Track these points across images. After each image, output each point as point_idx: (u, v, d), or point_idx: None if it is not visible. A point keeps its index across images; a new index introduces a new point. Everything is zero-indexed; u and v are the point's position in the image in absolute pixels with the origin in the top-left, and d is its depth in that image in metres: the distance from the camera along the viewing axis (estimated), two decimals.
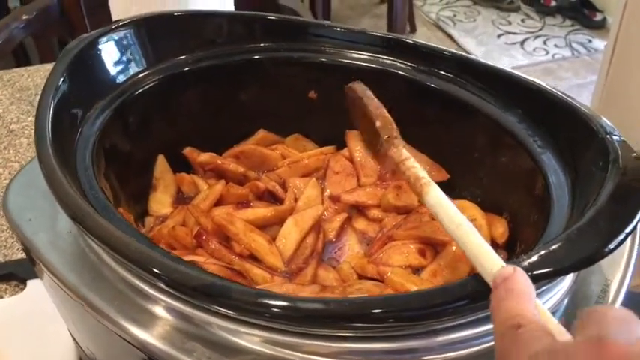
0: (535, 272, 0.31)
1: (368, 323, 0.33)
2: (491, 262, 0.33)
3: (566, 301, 0.39)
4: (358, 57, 0.58)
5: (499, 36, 2.64)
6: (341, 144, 0.62)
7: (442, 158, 0.57)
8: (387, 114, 0.50)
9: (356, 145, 0.59)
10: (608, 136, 0.41)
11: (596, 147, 0.41)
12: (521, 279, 0.30)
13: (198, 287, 0.35)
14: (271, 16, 0.58)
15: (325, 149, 0.61)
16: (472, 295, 0.32)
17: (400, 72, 0.56)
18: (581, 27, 2.69)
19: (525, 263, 0.32)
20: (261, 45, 0.59)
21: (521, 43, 2.59)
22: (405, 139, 0.58)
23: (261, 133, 0.63)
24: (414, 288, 0.45)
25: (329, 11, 2.39)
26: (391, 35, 0.57)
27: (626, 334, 0.23)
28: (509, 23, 2.73)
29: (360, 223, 0.55)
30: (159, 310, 0.38)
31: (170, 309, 0.38)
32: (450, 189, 0.56)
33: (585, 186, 0.40)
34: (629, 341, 0.23)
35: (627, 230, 0.33)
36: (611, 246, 0.32)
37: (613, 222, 0.33)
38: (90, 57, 0.51)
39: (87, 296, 0.40)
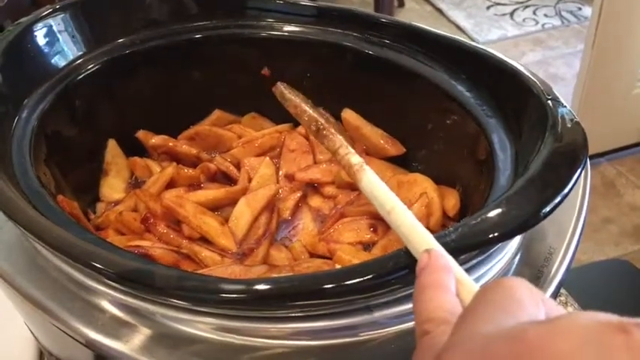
0: (458, 244, 0.30)
1: (276, 301, 0.32)
2: (421, 245, 0.31)
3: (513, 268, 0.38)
4: (306, 30, 0.56)
5: (488, 7, 2.61)
6: (296, 121, 0.60)
7: (398, 132, 0.55)
8: (307, 109, 0.48)
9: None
10: (549, 102, 0.39)
11: (538, 113, 0.39)
12: (437, 264, 0.28)
13: (120, 273, 0.33)
14: None
15: (281, 127, 0.60)
16: (397, 269, 0.31)
17: (349, 44, 0.54)
18: None
19: (452, 237, 0.31)
20: (207, 23, 0.57)
21: (511, 14, 2.56)
22: (360, 112, 0.57)
23: (216, 113, 0.61)
24: None
25: None
26: (337, 5, 0.55)
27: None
28: None
29: (315, 201, 0.54)
30: (99, 301, 0.37)
31: (111, 300, 0.37)
32: (407, 162, 0.55)
33: (527, 153, 0.38)
34: None
35: (557, 200, 0.31)
36: (541, 214, 0.31)
37: (543, 190, 0.32)
38: (26, 43, 0.50)
39: (22, 286, 0.39)
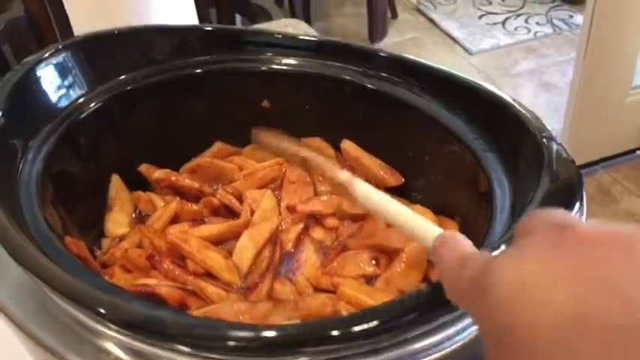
0: None
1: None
2: (427, 232, 0.34)
3: None
4: (304, 63, 0.57)
5: (480, 17, 2.63)
6: None
7: (396, 162, 0.57)
8: (286, 147, 0.51)
9: (310, 154, 0.59)
10: (544, 140, 0.40)
11: (533, 151, 0.40)
12: (459, 236, 0.29)
13: (130, 321, 0.34)
14: (208, 27, 0.58)
15: (280, 159, 0.61)
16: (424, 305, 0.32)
17: (347, 77, 0.56)
18: (562, 2, 2.68)
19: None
20: (206, 57, 0.58)
21: (503, 23, 2.58)
22: (359, 143, 0.58)
23: (217, 145, 0.62)
24: (366, 299, 0.45)
25: (308, 0, 2.37)
26: (334, 39, 0.57)
27: (576, 219, 0.21)
28: (490, 3, 2.71)
29: (317, 232, 0.55)
30: (108, 345, 0.38)
31: (119, 344, 0.37)
32: (407, 192, 0.56)
33: (524, 190, 0.39)
34: (584, 223, 0.20)
35: None
36: None
37: None
38: (30, 84, 0.51)
39: (30, 329, 0.40)
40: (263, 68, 0.59)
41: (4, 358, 0.58)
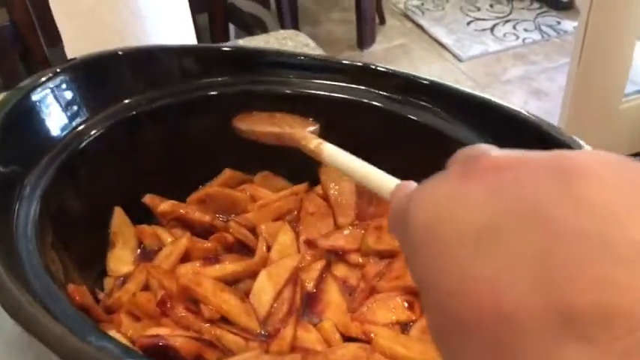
0: None
1: None
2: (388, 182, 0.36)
3: None
4: (325, 86, 0.53)
5: (469, 23, 2.61)
6: (313, 178, 0.57)
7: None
8: (263, 129, 0.53)
9: (330, 182, 0.54)
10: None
11: None
12: (413, 183, 0.29)
13: None
14: (226, 47, 0.53)
15: (297, 188, 0.56)
16: None
17: (372, 102, 0.52)
18: (549, 9, 2.67)
19: None
20: (219, 79, 0.54)
21: (491, 29, 2.56)
22: (383, 168, 0.54)
23: (227, 173, 0.58)
24: (403, 351, 0.41)
25: (296, 6, 2.32)
26: (358, 62, 0.52)
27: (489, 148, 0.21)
28: (478, 9, 2.70)
29: (340, 270, 0.51)
30: None
31: None
32: None
33: None
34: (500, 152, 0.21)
35: None
36: None
37: None
38: (25, 112, 0.46)
39: None
40: (274, 90, 0.54)
41: None
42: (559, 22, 2.58)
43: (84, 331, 0.34)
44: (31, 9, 1.09)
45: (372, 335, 0.43)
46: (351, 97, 0.52)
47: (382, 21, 2.55)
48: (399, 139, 0.53)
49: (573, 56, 1.73)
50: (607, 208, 0.17)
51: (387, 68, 0.52)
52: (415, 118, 0.50)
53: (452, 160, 0.23)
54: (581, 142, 0.47)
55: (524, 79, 2.31)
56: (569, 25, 2.51)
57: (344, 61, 0.52)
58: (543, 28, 2.56)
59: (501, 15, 2.65)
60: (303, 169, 0.57)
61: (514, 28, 2.56)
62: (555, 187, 0.18)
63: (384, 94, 0.51)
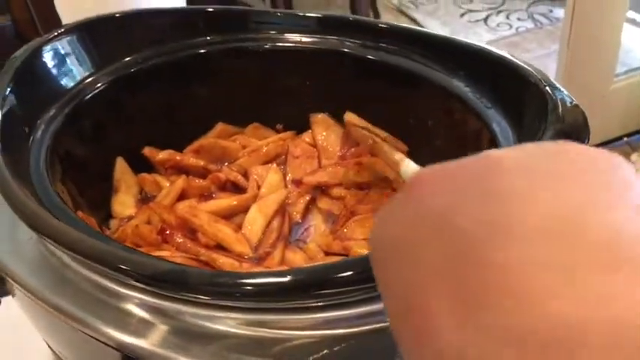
0: None
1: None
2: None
3: None
4: (305, 40, 0.58)
5: (462, 15, 2.66)
6: (300, 129, 0.62)
7: (399, 131, 0.57)
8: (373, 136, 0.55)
9: (321, 130, 0.59)
10: (547, 88, 0.41)
11: (537, 99, 0.41)
12: None
13: (154, 275, 0.35)
14: (211, 8, 0.59)
15: (284, 135, 0.61)
16: None
17: (348, 50, 0.56)
18: None
19: None
20: (208, 38, 0.59)
21: (485, 20, 2.61)
22: (362, 115, 0.59)
23: (219, 126, 0.63)
24: None
25: (290, 2, 2.37)
26: (334, 14, 0.58)
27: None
28: (471, 1, 2.75)
29: (324, 203, 0.56)
30: (129, 306, 0.38)
31: (141, 304, 0.38)
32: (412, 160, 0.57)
33: (529, 137, 0.40)
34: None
35: None
36: None
37: None
38: (35, 65, 0.51)
39: (52, 300, 0.40)
40: (265, 46, 0.59)
41: (18, 342, 0.58)
42: (551, 10, 2.63)
43: (96, 236, 0.39)
44: (31, 9, 1.15)
45: (352, 248, 0.48)
46: (328, 48, 0.57)
47: (376, 16, 2.60)
48: (377, 84, 0.57)
49: (562, 38, 1.77)
50: (509, 193, 0.17)
51: (355, 17, 0.57)
52: (389, 62, 0.55)
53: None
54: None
55: None
56: (561, 12, 2.55)
57: (316, 14, 0.57)
58: (536, 16, 2.60)
59: (494, 6, 2.70)
60: (290, 120, 0.62)
61: (507, 18, 2.61)
62: (469, 190, 0.18)
63: (357, 42, 0.56)
